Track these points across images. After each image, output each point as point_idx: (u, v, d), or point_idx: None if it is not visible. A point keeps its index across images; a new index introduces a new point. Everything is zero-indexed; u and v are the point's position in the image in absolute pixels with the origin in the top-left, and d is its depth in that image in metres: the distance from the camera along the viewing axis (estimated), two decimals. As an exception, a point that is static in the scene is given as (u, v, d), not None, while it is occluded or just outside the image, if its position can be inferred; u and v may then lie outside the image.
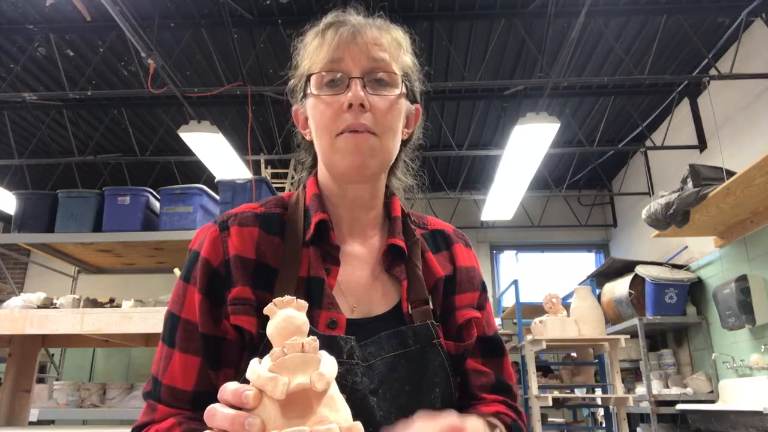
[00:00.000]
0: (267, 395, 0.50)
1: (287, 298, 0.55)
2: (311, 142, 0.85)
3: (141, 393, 0.79)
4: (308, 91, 0.81)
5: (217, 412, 0.51)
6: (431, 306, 0.79)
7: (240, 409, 0.50)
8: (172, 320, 0.76)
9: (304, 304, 0.56)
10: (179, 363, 0.73)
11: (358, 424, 0.50)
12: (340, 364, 0.55)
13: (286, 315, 0.54)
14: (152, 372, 0.75)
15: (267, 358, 0.52)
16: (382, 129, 0.77)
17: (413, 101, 0.86)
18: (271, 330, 0.54)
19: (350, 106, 0.75)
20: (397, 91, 0.79)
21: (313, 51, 0.81)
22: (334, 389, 0.53)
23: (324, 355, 0.53)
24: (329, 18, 0.82)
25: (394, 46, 0.82)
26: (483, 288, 0.88)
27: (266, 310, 0.55)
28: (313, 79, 0.79)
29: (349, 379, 0.69)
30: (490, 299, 0.92)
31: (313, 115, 0.80)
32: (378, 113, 0.77)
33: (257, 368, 0.51)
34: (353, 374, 0.70)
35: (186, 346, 0.73)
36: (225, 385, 0.52)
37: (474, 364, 0.82)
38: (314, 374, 0.49)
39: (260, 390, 0.50)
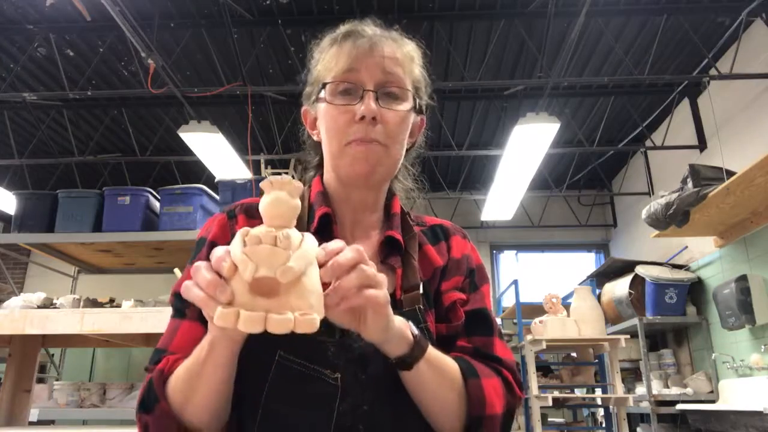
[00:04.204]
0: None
1: (284, 178, 0.57)
2: (318, 143, 0.89)
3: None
4: (321, 96, 0.83)
5: (200, 271, 0.56)
6: (421, 292, 0.81)
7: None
8: (176, 298, 0.78)
9: (299, 186, 0.58)
10: (188, 330, 0.75)
11: (315, 318, 0.53)
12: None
13: (276, 197, 0.57)
14: (156, 347, 0.77)
15: (252, 233, 0.55)
16: (391, 141, 0.81)
17: (419, 112, 0.89)
18: (261, 206, 0.57)
19: (362, 118, 0.78)
20: (408, 106, 0.83)
21: (329, 58, 0.84)
22: (310, 272, 0.56)
23: (305, 242, 0.57)
24: (347, 27, 0.85)
25: (408, 60, 0.85)
26: (470, 273, 0.89)
27: (262, 185, 0.58)
28: (328, 86, 0.82)
29: (342, 357, 0.72)
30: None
31: (325, 120, 0.83)
32: (388, 126, 0.80)
33: (235, 248, 0.55)
34: (346, 352, 0.73)
35: (195, 315, 0.75)
36: (216, 248, 0.57)
37: (461, 343, 0.84)
38: (280, 269, 0.53)
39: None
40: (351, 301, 0.59)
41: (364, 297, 0.59)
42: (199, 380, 0.65)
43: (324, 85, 0.83)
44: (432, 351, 0.71)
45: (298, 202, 0.57)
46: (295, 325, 0.52)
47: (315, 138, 0.89)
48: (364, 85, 0.80)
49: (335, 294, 0.57)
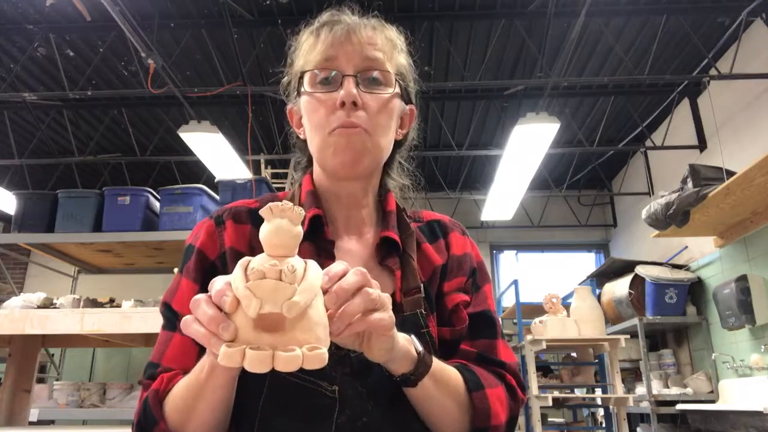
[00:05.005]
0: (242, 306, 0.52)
1: (285, 205, 0.55)
2: (305, 142, 0.85)
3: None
4: (302, 89, 0.81)
5: (200, 306, 0.53)
6: (423, 294, 0.78)
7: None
8: (167, 309, 0.77)
9: (300, 213, 0.55)
10: (179, 344, 0.73)
11: (324, 352, 0.51)
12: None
13: (277, 225, 0.54)
14: (149, 360, 0.75)
15: (254, 267, 0.53)
16: (375, 127, 0.77)
17: (407, 101, 0.86)
18: (261, 234, 0.55)
19: (343, 104, 0.76)
20: (391, 90, 0.80)
21: (307, 49, 0.82)
22: (316, 303, 0.54)
23: (309, 273, 0.54)
24: (324, 17, 0.83)
25: (389, 45, 0.82)
26: (473, 272, 0.87)
27: (261, 212, 0.55)
28: (306, 76, 0.80)
29: (339, 370, 0.71)
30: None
31: (306, 112, 0.80)
32: (371, 111, 0.77)
33: (237, 281, 0.52)
34: (343, 365, 0.71)
35: None
36: (215, 279, 0.54)
37: (464, 347, 0.81)
38: (286, 304, 0.51)
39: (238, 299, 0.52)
40: (356, 327, 0.57)
41: (369, 322, 0.57)
42: (198, 400, 0.65)
43: (302, 76, 0.80)
44: (436, 365, 0.69)
45: (300, 230, 0.55)
46: (304, 362, 0.50)
47: (302, 136, 0.86)
48: (343, 71, 0.77)
49: (340, 321, 0.55)
